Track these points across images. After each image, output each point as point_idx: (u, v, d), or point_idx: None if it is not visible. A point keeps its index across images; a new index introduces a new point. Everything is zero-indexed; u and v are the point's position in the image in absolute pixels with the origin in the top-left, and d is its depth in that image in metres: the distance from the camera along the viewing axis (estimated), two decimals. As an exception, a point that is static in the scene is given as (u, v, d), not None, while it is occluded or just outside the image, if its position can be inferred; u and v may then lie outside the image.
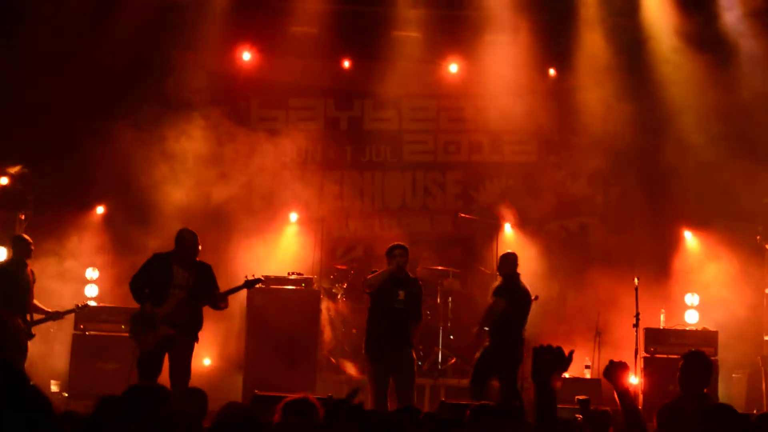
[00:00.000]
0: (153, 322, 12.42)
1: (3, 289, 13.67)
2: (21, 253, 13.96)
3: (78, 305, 14.85)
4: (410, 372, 12.84)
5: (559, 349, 5.20)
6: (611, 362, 5.97)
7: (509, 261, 14.01)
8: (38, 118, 17.18)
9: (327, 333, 16.87)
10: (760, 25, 17.60)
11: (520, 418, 7.70)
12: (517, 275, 13.92)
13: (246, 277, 13.06)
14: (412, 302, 12.90)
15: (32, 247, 14.07)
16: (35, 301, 14.07)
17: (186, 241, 12.74)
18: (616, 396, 5.96)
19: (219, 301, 12.71)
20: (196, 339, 12.69)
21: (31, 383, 2.58)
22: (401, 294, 12.81)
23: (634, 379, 15.43)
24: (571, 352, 5.34)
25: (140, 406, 6.53)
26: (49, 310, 14.23)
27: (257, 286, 13.23)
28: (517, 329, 13.69)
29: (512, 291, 13.73)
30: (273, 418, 7.13)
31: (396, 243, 13.18)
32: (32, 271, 14.09)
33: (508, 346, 13.54)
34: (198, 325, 12.71)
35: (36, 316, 14.01)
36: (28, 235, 14.38)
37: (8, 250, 14.17)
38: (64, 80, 17.24)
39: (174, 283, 12.57)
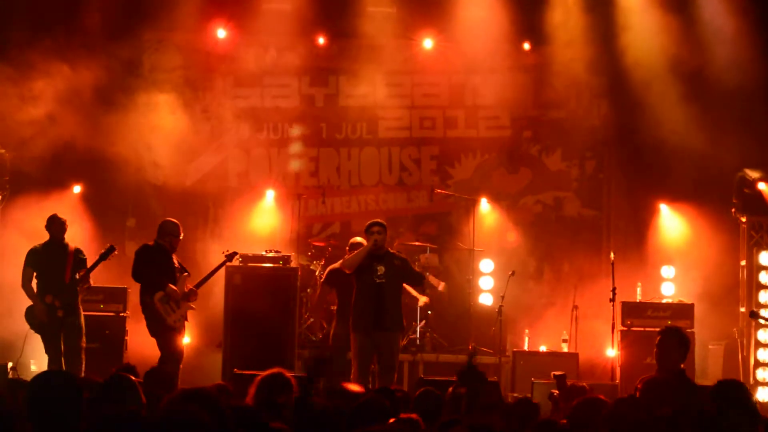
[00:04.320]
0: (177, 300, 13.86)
1: (34, 268, 14.08)
2: (54, 232, 14.23)
3: None
4: (393, 354, 13.04)
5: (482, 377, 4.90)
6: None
7: None
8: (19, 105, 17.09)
9: (305, 310, 16.85)
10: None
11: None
12: None
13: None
14: (396, 274, 13.01)
15: (65, 226, 14.32)
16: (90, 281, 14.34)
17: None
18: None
19: None
20: None
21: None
22: (380, 269, 12.96)
23: (611, 352, 15.55)
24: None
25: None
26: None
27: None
28: None
29: None
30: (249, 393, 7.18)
31: (374, 220, 13.30)
32: (75, 250, 14.31)
33: None
34: None
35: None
36: (11, 215, 14.50)
37: None
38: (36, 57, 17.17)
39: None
